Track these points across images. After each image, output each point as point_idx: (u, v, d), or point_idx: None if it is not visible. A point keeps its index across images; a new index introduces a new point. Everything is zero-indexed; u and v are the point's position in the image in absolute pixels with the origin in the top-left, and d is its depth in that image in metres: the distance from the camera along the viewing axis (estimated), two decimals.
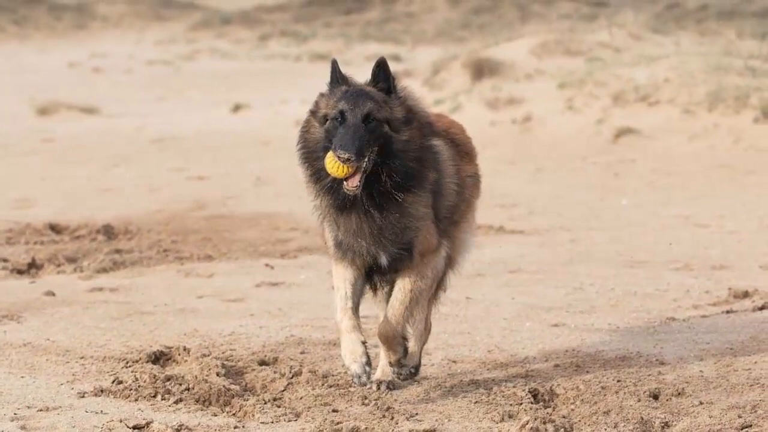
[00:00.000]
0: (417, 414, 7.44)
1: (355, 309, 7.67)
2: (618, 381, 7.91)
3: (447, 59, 25.64)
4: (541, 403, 7.66)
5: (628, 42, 25.36)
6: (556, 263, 11.78)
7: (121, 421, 7.16)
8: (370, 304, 8.05)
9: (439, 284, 8.05)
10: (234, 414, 7.44)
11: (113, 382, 7.90)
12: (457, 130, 8.09)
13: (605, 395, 7.66)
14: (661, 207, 14.87)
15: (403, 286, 7.67)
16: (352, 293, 7.66)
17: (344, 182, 7.37)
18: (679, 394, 7.69)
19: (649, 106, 19.84)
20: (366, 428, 7.12)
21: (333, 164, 7.33)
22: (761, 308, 9.82)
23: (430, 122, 7.73)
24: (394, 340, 7.69)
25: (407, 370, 7.88)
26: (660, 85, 20.18)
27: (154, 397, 7.66)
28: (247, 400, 7.61)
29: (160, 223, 14.02)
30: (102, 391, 7.77)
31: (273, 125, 22.94)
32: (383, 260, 7.59)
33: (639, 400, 7.55)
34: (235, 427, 7.18)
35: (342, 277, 7.66)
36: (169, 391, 7.71)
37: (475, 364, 8.47)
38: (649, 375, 8.06)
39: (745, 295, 10.23)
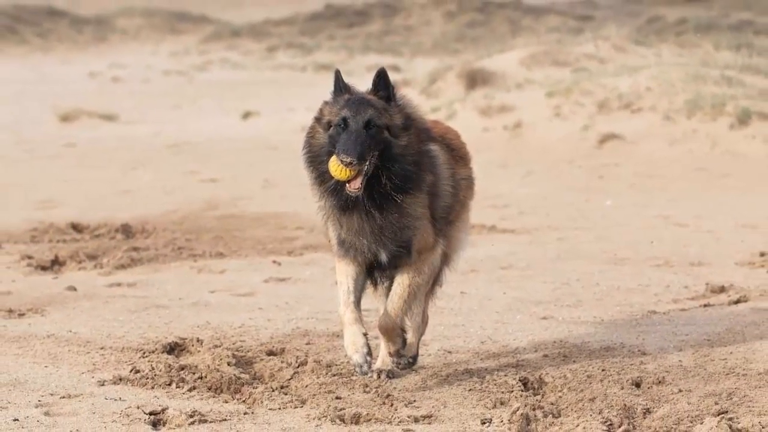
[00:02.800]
0: (415, 401, 7.44)
1: (357, 303, 7.66)
2: (603, 370, 7.91)
3: (443, 69, 25.65)
4: (531, 391, 7.65)
5: (612, 53, 25.37)
6: (545, 260, 11.78)
7: (138, 408, 7.16)
8: (371, 299, 8.05)
9: (436, 280, 8.05)
10: (244, 401, 7.44)
11: (131, 371, 7.89)
12: (452, 136, 8.08)
13: (591, 383, 7.65)
14: (642, 208, 14.87)
15: (401, 281, 7.66)
16: (354, 288, 7.65)
17: (347, 184, 7.36)
18: (659, 382, 7.68)
19: (632, 113, 19.84)
20: (367, 414, 7.11)
21: (336, 167, 7.33)
22: (736, 302, 9.82)
23: (427, 128, 7.72)
24: (394, 332, 7.69)
25: (406, 360, 7.88)
26: (642, 93, 20.18)
27: (169, 385, 7.65)
28: (256, 388, 7.60)
29: (174, 223, 14.01)
30: (120, 379, 7.76)
31: (280, 131, 22.95)
32: (383, 257, 7.58)
33: (622, 388, 7.54)
34: (245, 413, 7.18)
35: (345, 273, 7.65)
36: (183, 380, 7.71)
37: (469, 354, 8.46)
38: (632, 364, 8.05)
39: (722, 290, 10.22)
